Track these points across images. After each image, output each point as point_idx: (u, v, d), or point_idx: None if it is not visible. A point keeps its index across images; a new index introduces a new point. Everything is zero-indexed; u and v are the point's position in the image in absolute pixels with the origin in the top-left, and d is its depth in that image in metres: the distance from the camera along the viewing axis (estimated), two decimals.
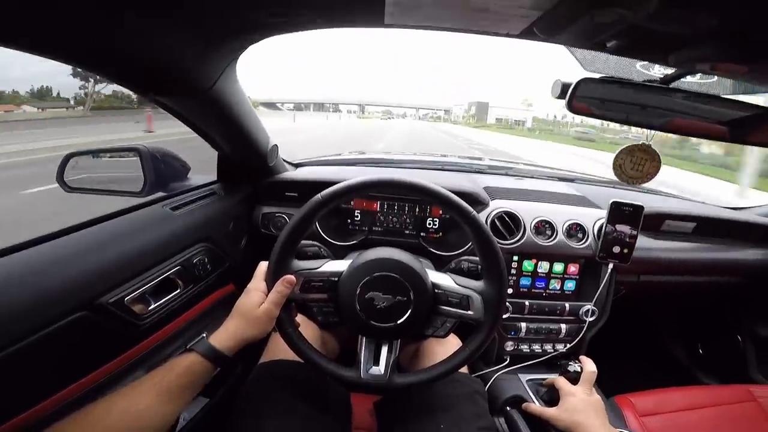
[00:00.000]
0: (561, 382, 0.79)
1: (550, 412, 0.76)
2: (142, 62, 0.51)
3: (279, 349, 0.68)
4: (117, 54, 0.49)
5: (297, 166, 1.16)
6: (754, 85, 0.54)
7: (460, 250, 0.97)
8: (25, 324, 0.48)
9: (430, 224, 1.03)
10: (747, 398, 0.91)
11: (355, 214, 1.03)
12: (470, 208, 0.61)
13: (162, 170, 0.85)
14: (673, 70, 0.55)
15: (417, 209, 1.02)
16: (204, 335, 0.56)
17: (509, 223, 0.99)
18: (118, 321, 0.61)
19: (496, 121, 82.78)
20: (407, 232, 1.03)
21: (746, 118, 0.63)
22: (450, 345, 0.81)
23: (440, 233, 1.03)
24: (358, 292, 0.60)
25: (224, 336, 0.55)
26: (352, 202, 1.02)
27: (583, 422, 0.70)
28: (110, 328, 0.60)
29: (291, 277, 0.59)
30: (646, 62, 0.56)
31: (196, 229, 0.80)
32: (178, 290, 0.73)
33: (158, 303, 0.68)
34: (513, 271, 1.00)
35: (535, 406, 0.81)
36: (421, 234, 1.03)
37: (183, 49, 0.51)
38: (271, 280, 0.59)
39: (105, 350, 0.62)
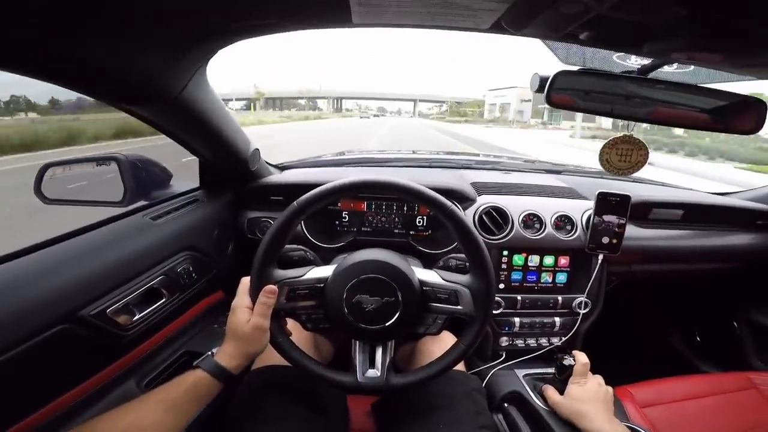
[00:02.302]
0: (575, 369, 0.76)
1: (555, 398, 0.75)
2: (108, 73, 0.50)
3: (270, 355, 0.67)
4: (82, 66, 0.48)
5: (282, 169, 1.15)
6: (731, 74, 0.53)
7: (448, 248, 0.97)
8: (5, 338, 0.48)
9: (419, 222, 1.02)
10: (747, 386, 0.90)
11: (343, 215, 1.02)
12: (448, 202, 0.60)
13: (143, 178, 0.84)
14: (649, 61, 0.55)
15: (405, 208, 1.02)
16: (210, 353, 0.57)
17: (497, 218, 0.98)
18: (101, 333, 0.60)
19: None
20: (396, 231, 1.02)
21: (727, 107, 0.63)
22: (445, 342, 0.80)
23: (429, 231, 1.02)
24: (345, 296, 0.59)
25: (227, 356, 0.56)
26: (339, 204, 1.01)
27: (586, 412, 0.67)
28: (94, 339, 0.60)
29: (272, 287, 0.59)
30: (622, 53, 0.55)
31: (179, 238, 0.80)
32: (164, 300, 0.73)
33: (143, 313, 0.68)
34: (504, 266, 0.99)
35: (551, 390, 0.78)
36: (411, 233, 1.02)
37: (148, 58, 0.50)
38: (254, 293, 0.59)
39: (90, 362, 0.62)
